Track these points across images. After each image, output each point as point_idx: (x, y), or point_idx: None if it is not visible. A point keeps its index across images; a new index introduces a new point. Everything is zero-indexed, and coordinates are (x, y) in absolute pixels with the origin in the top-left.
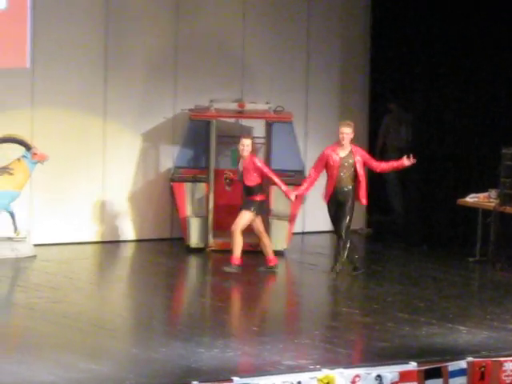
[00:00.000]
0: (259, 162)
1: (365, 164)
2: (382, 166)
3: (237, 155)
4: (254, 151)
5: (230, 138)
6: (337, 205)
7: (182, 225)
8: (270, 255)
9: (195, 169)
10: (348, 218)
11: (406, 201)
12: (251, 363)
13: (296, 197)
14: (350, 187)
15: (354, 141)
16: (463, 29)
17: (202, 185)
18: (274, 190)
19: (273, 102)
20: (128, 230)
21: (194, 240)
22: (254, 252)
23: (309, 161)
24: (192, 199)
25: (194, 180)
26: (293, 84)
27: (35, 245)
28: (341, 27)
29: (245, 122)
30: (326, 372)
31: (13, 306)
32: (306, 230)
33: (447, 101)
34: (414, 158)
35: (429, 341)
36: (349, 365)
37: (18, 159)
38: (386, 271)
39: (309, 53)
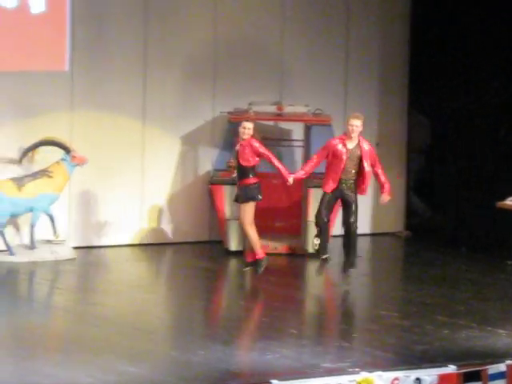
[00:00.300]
0: (257, 143)
1: (369, 158)
2: (378, 172)
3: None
4: (254, 136)
5: (269, 141)
6: (339, 197)
7: (221, 227)
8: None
9: None
10: (355, 218)
11: (445, 203)
12: (290, 366)
13: (294, 180)
14: (353, 181)
15: (361, 133)
16: (504, 36)
17: None
18: (312, 192)
19: (312, 104)
20: (167, 233)
21: (234, 243)
22: (292, 255)
23: None
24: (231, 202)
25: (233, 183)
26: (331, 86)
27: (74, 247)
28: (380, 29)
29: (283, 125)
30: (364, 375)
31: (52, 309)
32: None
33: (485, 103)
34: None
35: (468, 344)
36: (388, 368)
37: (57, 162)
38: (425, 274)
39: (347, 55)
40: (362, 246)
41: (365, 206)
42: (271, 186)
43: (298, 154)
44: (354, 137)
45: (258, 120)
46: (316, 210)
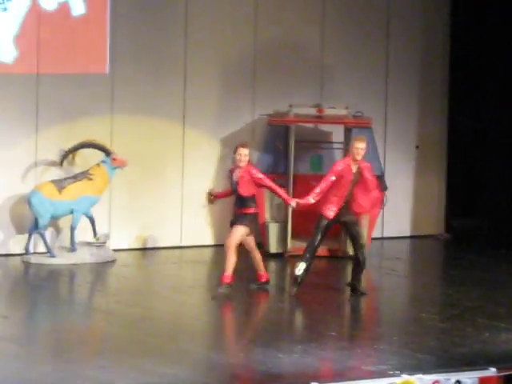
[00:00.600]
0: (256, 171)
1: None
2: (372, 190)
3: (232, 164)
4: (250, 161)
5: (309, 143)
6: (337, 222)
7: (261, 230)
8: (262, 271)
9: (274, 174)
10: (362, 237)
11: (485, 205)
12: (330, 368)
13: (298, 204)
14: (348, 202)
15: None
16: None
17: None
18: None
19: (352, 107)
20: (207, 235)
21: (273, 245)
22: (333, 257)
23: (388, 166)
24: (271, 204)
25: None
26: (372, 89)
27: (114, 250)
28: (420, 32)
29: (323, 127)
30: (405, 377)
31: (92, 311)
32: (385, 235)
33: None
34: None
35: (509, 346)
36: (428, 370)
37: (98, 164)
38: (465, 276)
39: (388, 58)
40: (403, 249)
41: (405, 208)
42: (311, 188)
43: (338, 156)
44: (359, 160)
45: (298, 122)
46: (312, 236)
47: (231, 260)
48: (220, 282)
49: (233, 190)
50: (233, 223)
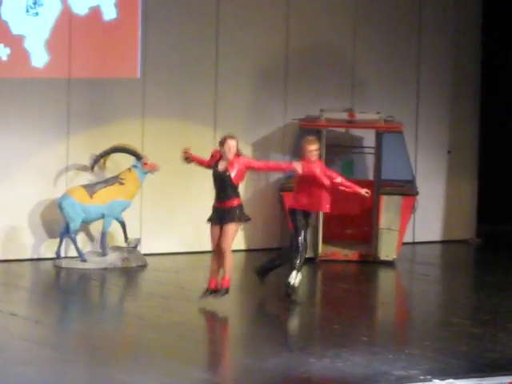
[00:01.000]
0: (247, 158)
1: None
2: (335, 181)
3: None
4: (239, 152)
5: (340, 148)
6: (302, 216)
7: None
8: (227, 275)
9: None
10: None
11: None
12: (361, 373)
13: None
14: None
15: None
16: None
17: None
18: (383, 200)
19: (383, 111)
20: (238, 240)
21: None
22: (364, 262)
23: (419, 171)
24: None
25: None
26: (403, 93)
27: (145, 254)
28: (452, 37)
29: (355, 132)
30: (436, 383)
31: (123, 315)
32: (416, 240)
33: None
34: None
35: None
36: (459, 375)
37: (129, 169)
38: (497, 281)
39: (419, 62)
40: (434, 253)
41: (436, 213)
42: (342, 192)
43: (370, 161)
44: (315, 161)
45: (329, 127)
46: (299, 235)
47: (231, 262)
48: (221, 286)
49: (219, 180)
50: (221, 219)
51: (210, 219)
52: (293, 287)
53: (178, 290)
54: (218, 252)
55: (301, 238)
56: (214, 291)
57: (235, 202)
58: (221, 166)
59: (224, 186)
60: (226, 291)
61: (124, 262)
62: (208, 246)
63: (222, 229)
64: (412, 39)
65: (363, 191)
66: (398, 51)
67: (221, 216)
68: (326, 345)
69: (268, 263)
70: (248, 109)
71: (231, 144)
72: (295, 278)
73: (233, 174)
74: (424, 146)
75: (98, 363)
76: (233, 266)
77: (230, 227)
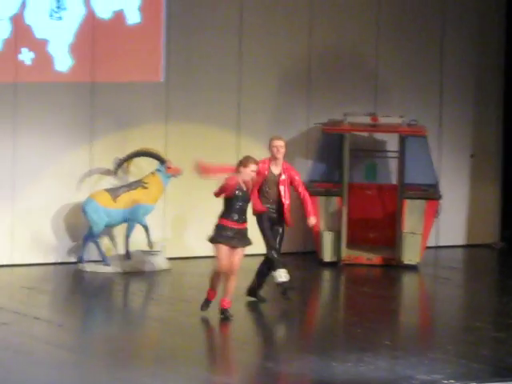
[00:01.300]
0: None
1: (290, 184)
2: (304, 196)
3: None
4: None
5: (364, 152)
6: (269, 220)
7: (316, 238)
8: (229, 298)
9: (328, 182)
10: (281, 238)
11: None
12: (384, 377)
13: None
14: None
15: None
16: None
17: (336, 198)
18: (407, 204)
19: (406, 115)
20: (261, 244)
21: (328, 254)
22: (388, 266)
23: (442, 175)
24: (325, 213)
25: (328, 194)
26: (426, 97)
27: (169, 258)
28: (475, 40)
29: (378, 136)
30: None
31: (147, 319)
32: (439, 244)
33: None
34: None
35: None
36: (482, 380)
37: (153, 173)
38: None
39: (442, 66)
40: (457, 258)
41: (460, 217)
42: (366, 196)
43: (393, 165)
44: (280, 159)
45: (352, 131)
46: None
47: (234, 284)
48: (222, 308)
49: (241, 199)
50: (235, 240)
51: (219, 240)
52: (282, 284)
53: (201, 294)
54: (221, 274)
55: (269, 251)
56: (210, 302)
57: (246, 225)
58: (242, 183)
59: (243, 206)
60: (227, 312)
61: (147, 266)
62: None
63: (232, 250)
64: (435, 43)
65: (312, 219)
66: (421, 55)
67: (238, 239)
68: (349, 349)
69: (252, 284)
70: (271, 113)
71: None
72: (280, 276)
73: (252, 194)
74: (447, 149)
75: (120, 367)
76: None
77: (241, 251)
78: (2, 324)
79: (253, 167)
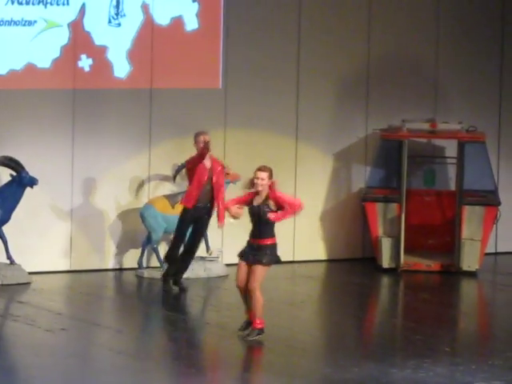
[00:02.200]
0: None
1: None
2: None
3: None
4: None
5: (422, 158)
6: (196, 217)
7: (374, 245)
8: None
9: (387, 188)
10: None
11: None
12: None
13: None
14: (209, 205)
15: None
16: None
17: (394, 205)
18: (466, 210)
19: (466, 121)
20: (319, 250)
21: (386, 260)
22: (446, 272)
23: (501, 181)
24: (384, 219)
25: (386, 200)
26: (486, 103)
27: (227, 264)
28: None
29: (437, 142)
30: None
31: (205, 326)
32: (498, 251)
33: None
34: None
35: None
36: None
37: None
38: None
39: (502, 72)
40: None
41: None
42: (424, 203)
43: (452, 171)
44: (208, 156)
45: (411, 137)
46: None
47: (260, 302)
48: (252, 328)
49: (256, 217)
50: (250, 259)
51: (240, 254)
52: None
53: None
54: (244, 291)
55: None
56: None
57: (266, 241)
58: (256, 202)
59: (263, 219)
60: (259, 332)
61: (206, 272)
62: (287, 255)
63: (249, 267)
64: (494, 48)
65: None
66: (480, 60)
67: (255, 255)
68: (408, 355)
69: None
70: (329, 119)
71: (260, 176)
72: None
73: (270, 212)
74: (506, 155)
75: (179, 373)
76: (261, 305)
77: (261, 269)
78: (62, 330)
79: (258, 175)
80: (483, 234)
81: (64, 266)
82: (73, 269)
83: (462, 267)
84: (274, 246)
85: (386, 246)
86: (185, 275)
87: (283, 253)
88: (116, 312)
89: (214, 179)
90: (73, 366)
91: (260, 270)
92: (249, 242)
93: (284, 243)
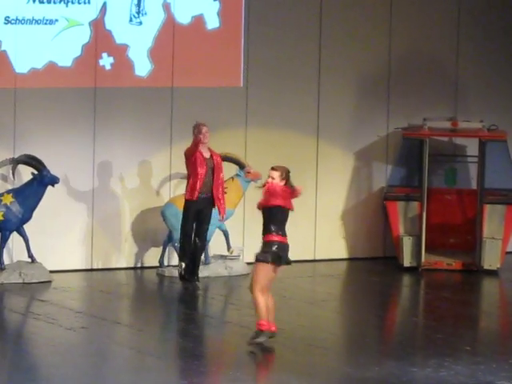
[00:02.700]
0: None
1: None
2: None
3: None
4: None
5: (443, 157)
6: (199, 209)
7: (395, 243)
8: (272, 320)
9: (408, 187)
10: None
11: None
12: (464, 383)
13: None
14: (210, 195)
15: None
16: None
17: (415, 203)
18: (487, 209)
19: (487, 120)
20: (341, 248)
21: (407, 259)
22: (467, 271)
23: None
24: (405, 218)
25: (407, 199)
26: (507, 102)
27: (248, 263)
28: None
29: (458, 141)
30: None
31: (226, 324)
32: None
33: None
34: None
35: None
36: None
37: (232, 178)
38: None
39: None
40: None
41: None
42: (445, 201)
43: (473, 170)
44: (207, 144)
45: (432, 136)
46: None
47: (261, 304)
48: (257, 330)
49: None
50: (257, 258)
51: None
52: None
53: (279, 298)
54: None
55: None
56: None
57: (273, 238)
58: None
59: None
60: (258, 334)
61: (227, 270)
62: (308, 254)
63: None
64: None
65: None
66: (501, 59)
67: (279, 252)
68: (429, 354)
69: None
70: (351, 118)
71: (274, 175)
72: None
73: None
74: None
75: (200, 372)
76: (262, 306)
77: (258, 266)
78: (82, 328)
79: (271, 173)
80: (504, 232)
81: (85, 264)
82: (94, 267)
83: (483, 266)
84: (271, 244)
85: (407, 244)
86: (206, 273)
87: (304, 251)
88: (136, 311)
89: (215, 169)
90: (93, 365)
91: (254, 268)
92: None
93: (305, 242)
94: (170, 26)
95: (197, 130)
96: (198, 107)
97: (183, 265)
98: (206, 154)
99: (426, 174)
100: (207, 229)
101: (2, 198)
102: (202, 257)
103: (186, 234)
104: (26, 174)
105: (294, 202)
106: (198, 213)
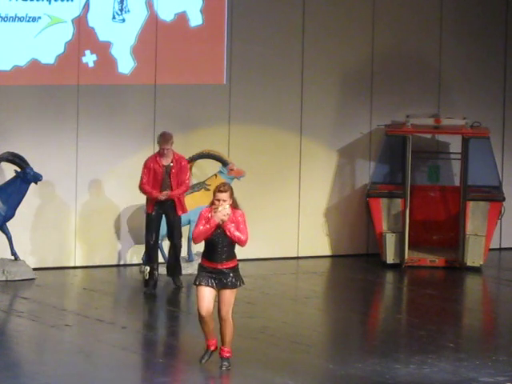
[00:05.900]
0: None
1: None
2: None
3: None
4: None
5: (427, 154)
6: (163, 212)
7: (379, 240)
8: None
9: (391, 184)
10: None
11: None
12: (448, 379)
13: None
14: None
15: None
16: None
17: (399, 200)
18: (470, 205)
19: (470, 117)
20: (324, 245)
21: (391, 256)
22: (451, 268)
23: (506, 176)
24: (388, 215)
25: (391, 195)
26: (490, 99)
27: None
28: None
29: (441, 138)
30: None
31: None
32: (503, 246)
33: None
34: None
35: None
36: None
37: (215, 175)
38: None
39: (506, 68)
40: None
41: None
42: (428, 198)
43: (456, 166)
44: (168, 152)
45: (415, 133)
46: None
47: (229, 330)
48: (222, 357)
49: (215, 235)
50: (220, 284)
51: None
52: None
53: (263, 295)
54: (209, 318)
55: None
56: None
57: (234, 263)
58: (217, 217)
59: (224, 241)
60: (229, 362)
61: None
62: (292, 251)
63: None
64: (498, 44)
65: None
66: (484, 56)
67: (222, 280)
68: (412, 351)
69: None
70: (334, 115)
71: (221, 198)
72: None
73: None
74: (511, 151)
75: (182, 369)
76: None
77: (231, 294)
78: (66, 326)
79: (218, 196)
80: (487, 229)
81: (68, 262)
82: (77, 265)
83: (466, 263)
84: (237, 269)
85: (390, 241)
86: (190, 271)
87: (287, 248)
88: (120, 308)
89: (174, 172)
90: (77, 362)
91: (231, 297)
92: (205, 267)
93: (288, 239)
94: (153, 23)
95: (161, 139)
96: (181, 104)
97: (148, 268)
98: (165, 161)
99: (409, 170)
100: (180, 232)
101: None
102: (186, 254)
103: (147, 243)
104: (9, 171)
105: (277, 198)
106: (166, 217)
